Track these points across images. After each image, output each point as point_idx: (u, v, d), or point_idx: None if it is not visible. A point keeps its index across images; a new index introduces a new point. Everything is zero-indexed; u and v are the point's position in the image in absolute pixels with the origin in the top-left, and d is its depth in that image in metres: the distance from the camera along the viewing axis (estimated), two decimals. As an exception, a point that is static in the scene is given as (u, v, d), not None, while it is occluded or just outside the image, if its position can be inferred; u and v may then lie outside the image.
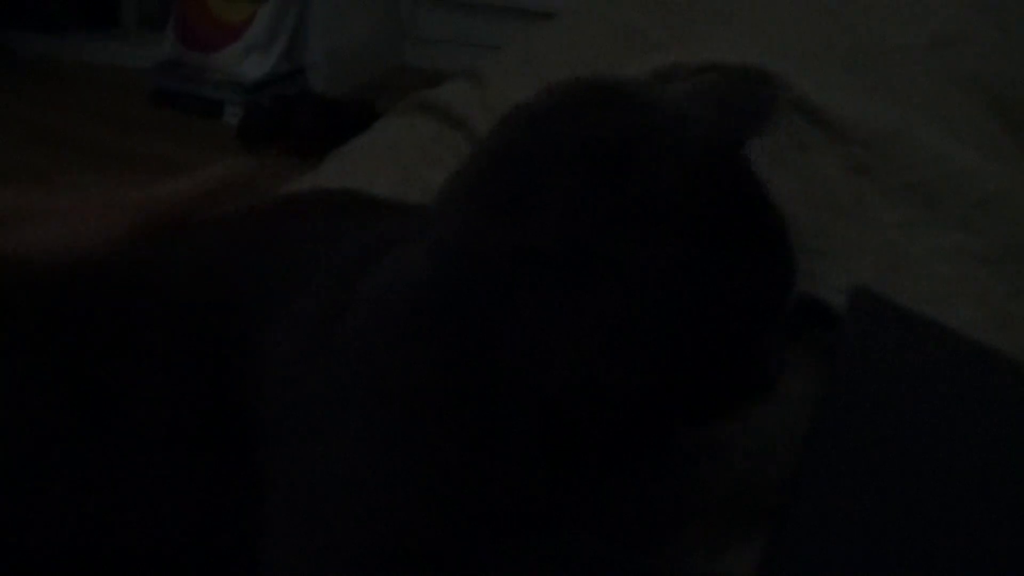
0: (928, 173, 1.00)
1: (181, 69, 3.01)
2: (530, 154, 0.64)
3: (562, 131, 0.63)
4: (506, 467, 0.62)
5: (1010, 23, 1.35)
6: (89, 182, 0.82)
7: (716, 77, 0.73)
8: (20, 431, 0.74)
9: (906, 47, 1.24)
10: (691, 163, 0.60)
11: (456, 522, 0.61)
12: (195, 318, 0.74)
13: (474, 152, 0.69)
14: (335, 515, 0.63)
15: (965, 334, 0.80)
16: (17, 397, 0.74)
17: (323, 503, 0.64)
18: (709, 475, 0.75)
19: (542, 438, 0.62)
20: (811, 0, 1.38)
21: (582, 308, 0.60)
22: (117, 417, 0.73)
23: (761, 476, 0.74)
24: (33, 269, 0.78)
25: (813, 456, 0.68)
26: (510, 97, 0.70)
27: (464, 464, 0.62)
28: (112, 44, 3.39)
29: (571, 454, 0.62)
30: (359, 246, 0.72)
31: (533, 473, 0.62)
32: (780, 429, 0.77)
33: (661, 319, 0.60)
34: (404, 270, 0.67)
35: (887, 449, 0.68)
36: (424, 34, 3.18)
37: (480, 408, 0.62)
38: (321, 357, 0.68)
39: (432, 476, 0.61)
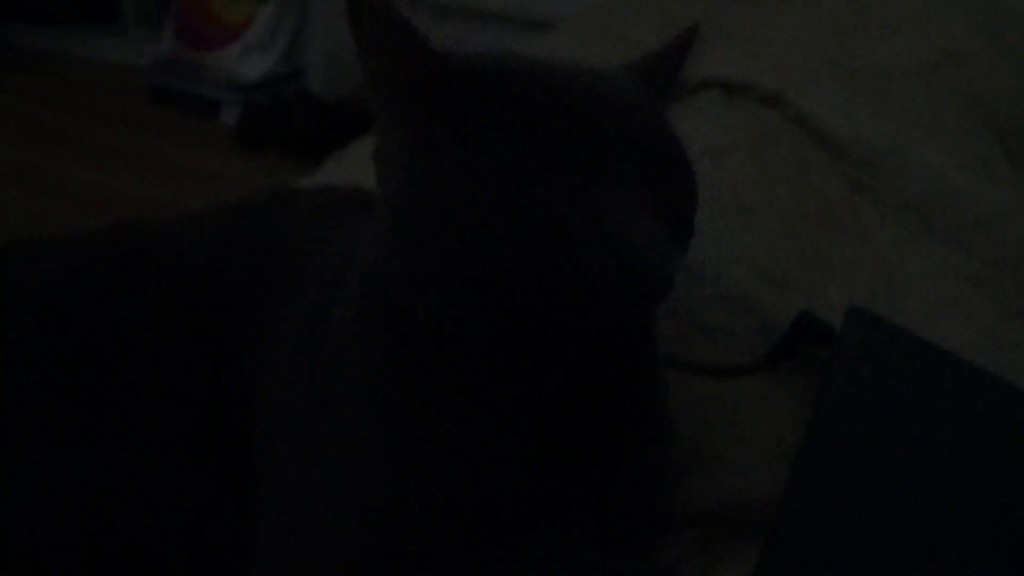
0: (924, 193, 1.01)
1: (179, 68, 3.00)
2: None
3: None
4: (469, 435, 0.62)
5: (1007, 44, 1.36)
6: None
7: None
8: (14, 428, 0.74)
9: (905, 67, 1.24)
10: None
11: (442, 521, 0.61)
12: (195, 313, 0.75)
13: None
14: (324, 517, 0.63)
15: (956, 354, 0.81)
16: (13, 393, 0.74)
17: (312, 505, 0.64)
18: (698, 486, 0.75)
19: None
20: (811, 20, 1.38)
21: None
22: (113, 413, 0.73)
23: (754, 490, 0.74)
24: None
25: (805, 471, 0.68)
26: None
27: (440, 452, 0.62)
28: (110, 41, 3.38)
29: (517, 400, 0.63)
30: (351, 247, 0.73)
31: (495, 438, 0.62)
32: (773, 444, 0.77)
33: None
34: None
35: (878, 465, 0.69)
36: (422, 40, 3.14)
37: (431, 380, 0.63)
38: (311, 360, 0.68)
39: (415, 476, 0.62)
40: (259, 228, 0.80)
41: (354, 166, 1.20)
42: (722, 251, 0.88)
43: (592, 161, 0.58)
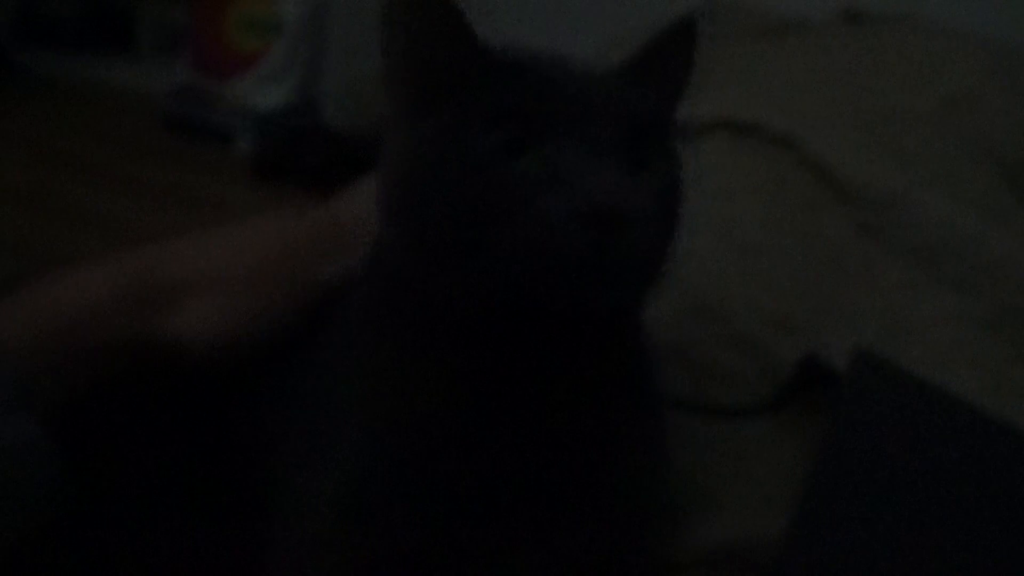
0: (932, 236, 1.01)
1: (194, 96, 3.01)
2: None
3: None
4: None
5: (1020, 86, 1.36)
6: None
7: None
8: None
9: (917, 109, 1.24)
10: None
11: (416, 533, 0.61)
12: None
13: None
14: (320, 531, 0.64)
15: (963, 399, 0.81)
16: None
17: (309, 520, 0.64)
18: (700, 528, 0.76)
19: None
20: (821, 62, 1.39)
21: None
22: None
23: (757, 533, 0.75)
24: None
25: (808, 514, 0.69)
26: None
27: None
28: (126, 67, 3.39)
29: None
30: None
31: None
32: (776, 486, 0.77)
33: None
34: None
35: (881, 509, 0.69)
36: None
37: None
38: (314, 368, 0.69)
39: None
40: None
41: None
42: (730, 292, 0.89)
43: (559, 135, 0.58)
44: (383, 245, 0.66)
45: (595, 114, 0.59)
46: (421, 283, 0.61)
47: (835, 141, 1.11)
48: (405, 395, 0.63)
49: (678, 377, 0.82)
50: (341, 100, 3.05)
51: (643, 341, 0.69)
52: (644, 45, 0.67)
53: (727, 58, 1.45)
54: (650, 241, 0.58)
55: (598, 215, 0.54)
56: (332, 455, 0.64)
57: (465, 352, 0.62)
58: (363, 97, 3.19)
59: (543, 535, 0.62)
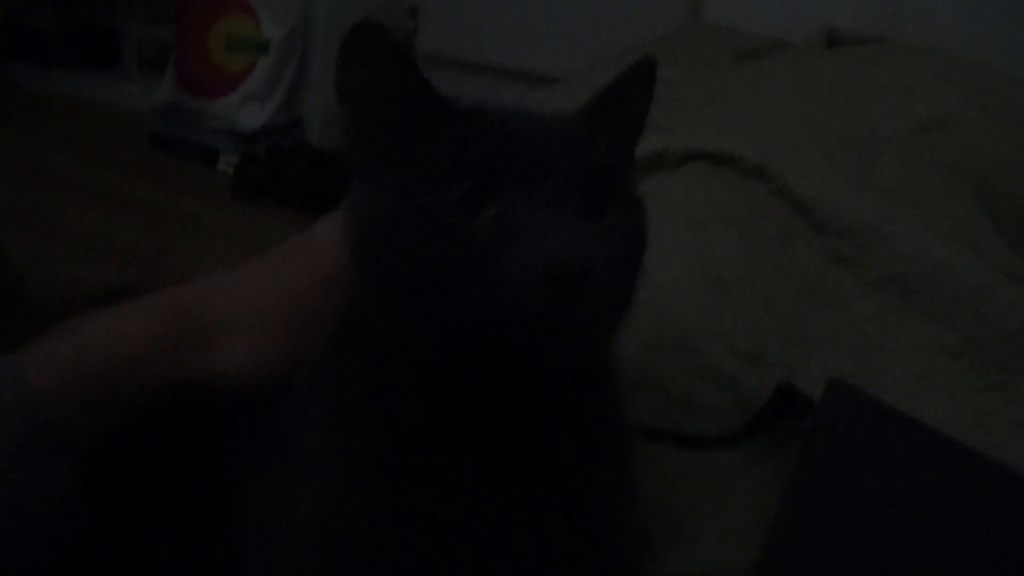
0: (905, 266, 1.02)
1: (179, 114, 3.01)
2: None
3: None
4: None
5: (998, 108, 1.36)
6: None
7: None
8: None
9: (894, 132, 1.25)
10: None
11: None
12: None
13: None
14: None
15: (934, 427, 0.82)
16: None
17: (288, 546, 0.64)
18: (675, 557, 0.76)
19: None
20: (799, 86, 1.39)
21: None
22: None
23: (731, 561, 0.75)
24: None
25: (780, 543, 0.69)
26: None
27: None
28: (112, 84, 3.39)
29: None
30: None
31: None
32: (750, 515, 0.78)
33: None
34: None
35: (853, 537, 0.69)
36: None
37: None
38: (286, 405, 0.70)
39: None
40: None
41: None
42: (704, 325, 0.89)
43: (520, 187, 0.59)
44: (352, 288, 0.66)
45: (553, 165, 0.59)
46: (386, 329, 0.61)
47: (810, 171, 1.12)
48: (374, 436, 0.63)
49: (651, 408, 0.82)
50: (324, 119, 3.05)
51: (613, 374, 0.69)
52: (604, 87, 0.68)
53: (705, 85, 1.46)
54: (610, 291, 0.58)
55: (557, 272, 0.54)
56: (308, 490, 0.64)
57: (430, 396, 0.62)
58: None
59: (518, 567, 0.63)
